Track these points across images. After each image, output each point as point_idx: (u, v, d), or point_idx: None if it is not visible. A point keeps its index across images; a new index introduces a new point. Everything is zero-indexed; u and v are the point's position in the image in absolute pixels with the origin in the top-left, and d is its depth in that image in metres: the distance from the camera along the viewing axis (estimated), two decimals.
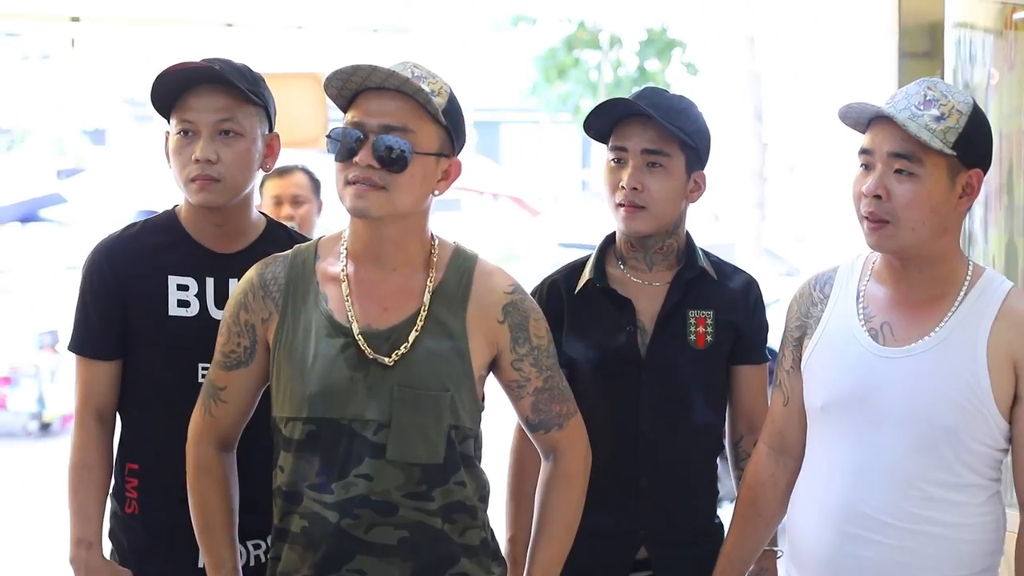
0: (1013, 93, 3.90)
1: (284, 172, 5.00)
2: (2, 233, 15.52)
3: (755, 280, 3.22)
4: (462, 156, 2.77)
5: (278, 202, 4.99)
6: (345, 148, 2.66)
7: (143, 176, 13.39)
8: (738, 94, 15.19)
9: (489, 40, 20.90)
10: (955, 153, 2.66)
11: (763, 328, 3.21)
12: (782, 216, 21.78)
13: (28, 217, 15.60)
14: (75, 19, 7.51)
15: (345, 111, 2.72)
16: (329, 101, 2.75)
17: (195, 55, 3.12)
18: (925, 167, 2.67)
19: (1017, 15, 3.81)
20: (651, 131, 3.07)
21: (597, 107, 3.12)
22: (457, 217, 20.20)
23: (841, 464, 2.76)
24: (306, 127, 7.18)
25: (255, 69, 3.05)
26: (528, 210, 17.74)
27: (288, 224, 3.44)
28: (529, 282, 3.05)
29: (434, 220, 2.79)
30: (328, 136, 2.69)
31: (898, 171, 2.67)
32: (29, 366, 12.14)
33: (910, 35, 5.07)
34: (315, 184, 5.16)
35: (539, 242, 17.80)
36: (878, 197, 2.68)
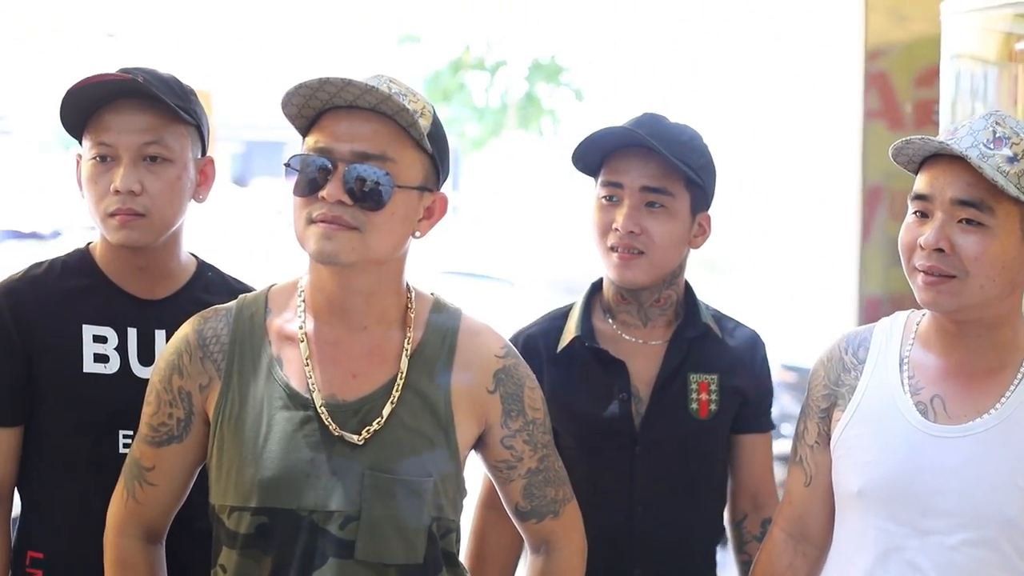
0: None
1: None
2: None
3: (760, 336, 2.80)
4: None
5: None
6: (307, 180, 2.18)
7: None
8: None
9: (379, 59, 20.48)
10: None
11: (770, 392, 2.80)
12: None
13: None
14: None
15: (305, 134, 2.24)
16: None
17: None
18: (996, 217, 2.26)
19: (1020, 45, 3.47)
20: (652, 165, 2.64)
21: (589, 137, 2.67)
22: None
23: (883, 559, 2.35)
24: None
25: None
26: None
27: None
28: None
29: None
30: (286, 165, 2.21)
31: (964, 220, 2.27)
32: None
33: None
34: None
35: (420, 270, 17.38)
36: (940, 251, 2.28)
